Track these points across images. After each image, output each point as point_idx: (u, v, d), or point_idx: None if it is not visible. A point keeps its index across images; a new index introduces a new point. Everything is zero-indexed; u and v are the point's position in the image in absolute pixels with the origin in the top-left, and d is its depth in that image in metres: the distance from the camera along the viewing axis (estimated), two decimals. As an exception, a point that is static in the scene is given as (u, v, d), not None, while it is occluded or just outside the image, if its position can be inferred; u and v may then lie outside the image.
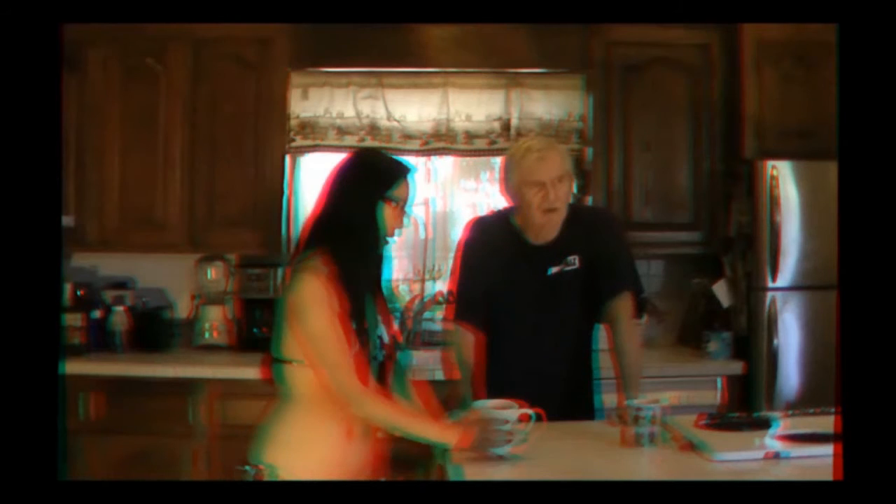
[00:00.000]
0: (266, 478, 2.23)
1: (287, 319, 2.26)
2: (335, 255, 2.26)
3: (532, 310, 2.90)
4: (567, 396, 2.88)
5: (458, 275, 2.98)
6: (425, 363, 3.91)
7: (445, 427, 2.31)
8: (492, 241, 2.96)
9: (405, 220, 2.39)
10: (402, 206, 2.37)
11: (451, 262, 3.20)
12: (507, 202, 2.97)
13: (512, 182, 2.87)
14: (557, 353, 2.91)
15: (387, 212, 2.34)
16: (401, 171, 2.38)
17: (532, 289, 2.90)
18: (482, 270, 2.93)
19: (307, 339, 2.23)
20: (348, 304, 2.24)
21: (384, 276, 2.45)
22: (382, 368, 2.35)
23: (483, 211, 4.17)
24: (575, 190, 4.30)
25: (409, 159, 4.13)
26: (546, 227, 2.88)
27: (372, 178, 2.36)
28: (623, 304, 2.92)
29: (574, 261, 2.91)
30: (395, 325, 2.47)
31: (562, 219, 2.89)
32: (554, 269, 2.90)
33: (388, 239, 2.38)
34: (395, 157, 2.50)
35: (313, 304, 2.22)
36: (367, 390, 2.23)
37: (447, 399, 2.82)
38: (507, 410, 2.32)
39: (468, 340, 2.89)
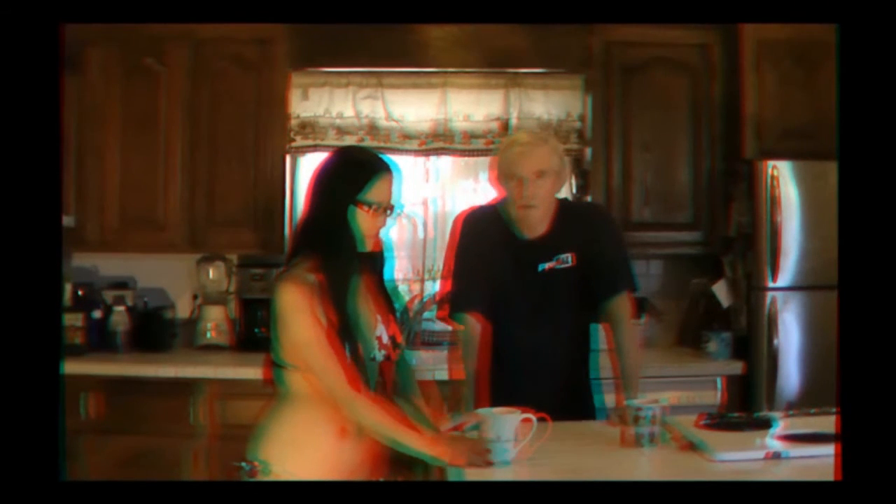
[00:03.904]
0: (260, 474, 2.24)
1: (275, 327, 2.26)
2: (320, 261, 2.25)
3: (525, 306, 2.89)
4: (565, 394, 2.87)
5: (454, 268, 2.96)
6: (425, 363, 3.91)
7: (434, 440, 2.25)
8: (483, 234, 2.95)
9: (386, 223, 2.30)
10: (377, 209, 2.26)
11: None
12: (496, 191, 2.99)
13: (496, 173, 2.90)
14: (554, 349, 2.90)
15: (360, 216, 2.25)
16: (375, 173, 2.27)
17: (523, 284, 2.89)
18: (477, 262, 2.92)
19: (294, 347, 2.24)
20: (335, 310, 2.22)
21: (386, 276, 2.43)
22: (382, 369, 2.35)
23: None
24: (574, 190, 4.35)
25: (407, 159, 4.25)
26: (526, 222, 2.87)
27: (342, 181, 2.27)
28: (622, 304, 2.91)
29: (568, 259, 2.89)
30: (396, 325, 2.45)
31: (542, 215, 2.87)
32: (546, 266, 2.89)
33: (382, 239, 2.33)
34: (377, 155, 2.34)
35: (294, 313, 2.21)
36: (359, 395, 2.21)
37: (449, 399, 2.83)
38: (509, 416, 2.28)
39: (476, 333, 2.87)
